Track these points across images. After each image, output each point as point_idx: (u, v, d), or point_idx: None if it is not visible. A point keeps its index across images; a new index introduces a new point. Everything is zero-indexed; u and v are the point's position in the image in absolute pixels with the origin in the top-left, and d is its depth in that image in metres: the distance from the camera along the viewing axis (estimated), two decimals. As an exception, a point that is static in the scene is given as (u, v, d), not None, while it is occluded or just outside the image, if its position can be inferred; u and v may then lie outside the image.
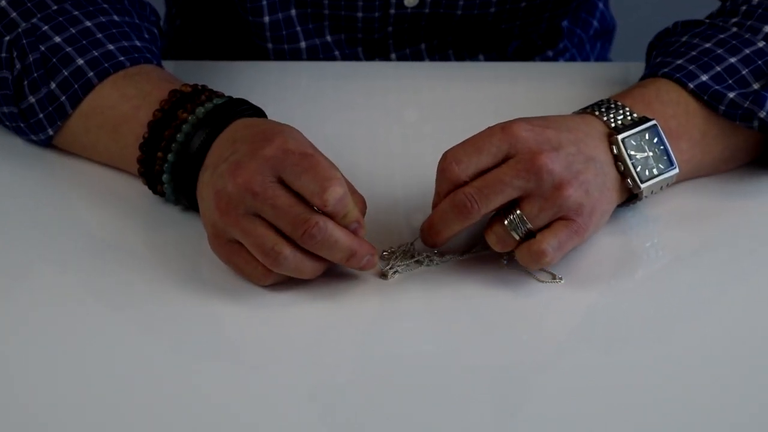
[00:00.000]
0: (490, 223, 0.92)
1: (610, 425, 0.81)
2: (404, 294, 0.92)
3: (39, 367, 0.86)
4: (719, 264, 0.97)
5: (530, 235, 0.91)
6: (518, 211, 0.91)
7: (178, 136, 0.95)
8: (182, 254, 0.96)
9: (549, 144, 0.91)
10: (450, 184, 0.91)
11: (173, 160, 0.96)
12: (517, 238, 0.91)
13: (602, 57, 1.40)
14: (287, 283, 0.92)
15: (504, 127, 0.91)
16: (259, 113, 0.99)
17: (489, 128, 0.92)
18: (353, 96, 1.19)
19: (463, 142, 0.92)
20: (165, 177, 0.97)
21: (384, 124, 1.16)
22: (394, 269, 0.94)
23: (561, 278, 0.93)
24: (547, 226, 0.91)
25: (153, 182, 0.98)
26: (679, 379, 0.85)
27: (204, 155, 0.94)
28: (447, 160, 0.91)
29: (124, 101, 1.01)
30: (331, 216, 0.88)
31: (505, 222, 0.91)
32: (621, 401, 0.83)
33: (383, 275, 0.92)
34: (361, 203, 0.93)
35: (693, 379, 0.85)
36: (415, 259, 0.94)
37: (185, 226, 0.99)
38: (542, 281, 0.93)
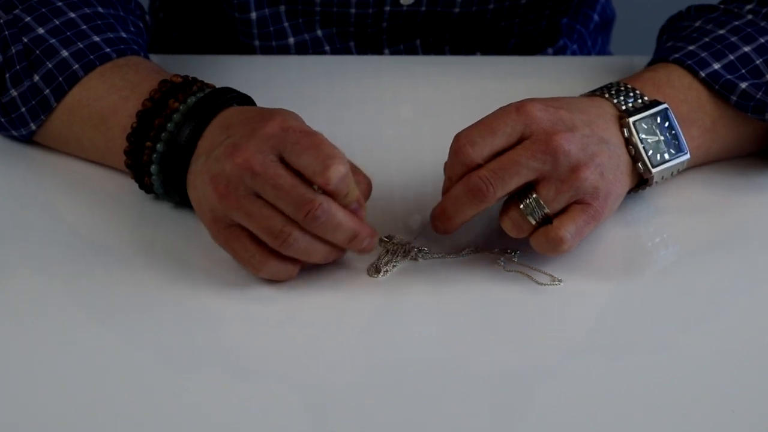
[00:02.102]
0: (505, 208, 0.92)
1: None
2: (401, 296, 0.91)
3: (21, 374, 0.85)
4: (731, 261, 0.96)
5: (546, 220, 0.91)
6: (534, 195, 0.90)
7: (169, 125, 0.94)
8: (171, 255, 0.95)
9: (564, 124, 0.91)
10: (464, 167, 0.90)
11: (162, 149, 0.94)
12: (534, 222, 0.91)
13: (603, 50, 1.40)
14: (280, 284, 0.91)
15: (518, 107, 0.91)
16: (248, 101, 0.98)
17: (502, 108, 0.91)
18: (345, 92, 1.18)
19: (477, 124, 0.91)
20: (153, 168, 0.95)
21: (378, 122, 1.15)
22: (386, 268, 0.93)
23: (560, 280, 0.92)
24: (563, 210, 0.91)
25: (140, 174, 0.97)
26: (690, 386, 0.84)
27: (195, 145, 0.93)
28: (460, 142, 0.90)
29: (112, 92, 1.00)
30: (332, 195, 0.87)
31: (521, 206, 0.90)
32: (626, 409, 0.82)
33: (377, 270, 0.92)
34: (365, 184, 0.92)
35: (705, 385, 0.84)
36: (411, 255, 0.94)
37: (174, 226, 0.98)
38: (541, 284, 0.92)
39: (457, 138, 0.91)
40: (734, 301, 0.93)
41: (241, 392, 0.83)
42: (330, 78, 1.20)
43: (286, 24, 1.22)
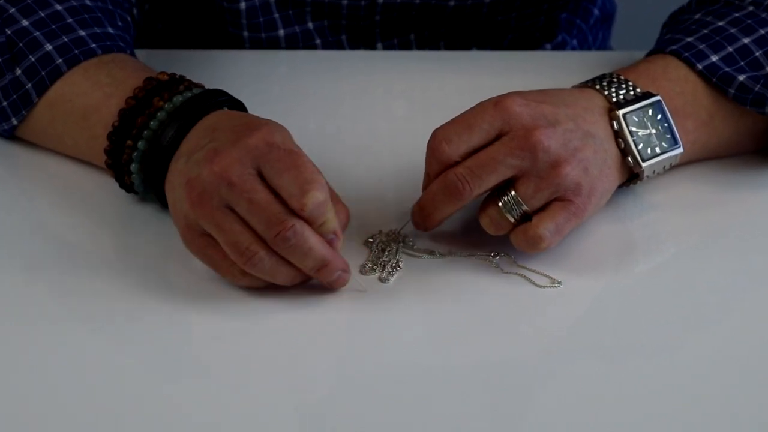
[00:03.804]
0: (484, 206, 0.92)
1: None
2: (396, 299, 0.91)
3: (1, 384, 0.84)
4: (727, 259, 0.96)
5: (526, 216, 0.91)
6: (513, 192, 0.90)
7: (152, 123, 0.93)
8: (154, 260, 0.94)
9: (545, 119, 0.90)
10: (440, 164, 0.90)
11: (144, 148, 0.93)
12: (512, 220, 0.91)
13: (603, 45, 1.39)
14: (267, 286, 0.90)
15: (497, 103, 0.91)
16: (239, 106, 0.97)
17: (480, 104, 0.91)
18: (337, 88, 1.18)
19: (453, 120, 0.91)
20: (133, 167, 0.94)
21: (371, 119, 1.15)
22: (380, 264, 0.93)
23: (560, 282, 0.92)
24: (544, 207, 0.91)
25: (120, 174, 0.96)
26: (690, 387, 0.84)
27: (177, 145, 0.92)
28: (437, 139, 0.90)
29: (96, 89, 0.99)
30: (308, 222, 0.86)
31: (500, 204, 0.90)
32: (625, 411, 0.82)
33: (372, 269, 0.92)
34: (344, 215, 0.90)
35: (704, 385, 0.84)
36: (400, 241, 0.94)
37: (158, 228, 0.97)
38: (540, 286, 0.92)
39: (434, 135, 0.90)
40: (731, 300, 0.92)
41: (225, 403, 0.82)
42: (321, 73, 1.20)
43: (276, 15, 1.21)
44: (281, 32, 1.22)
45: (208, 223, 0.86)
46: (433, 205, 0.91)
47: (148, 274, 0.92)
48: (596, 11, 1.33)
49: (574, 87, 0.98)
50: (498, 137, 0.90)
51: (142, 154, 0.93)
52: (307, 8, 1.20)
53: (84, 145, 1.00)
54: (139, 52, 1.16)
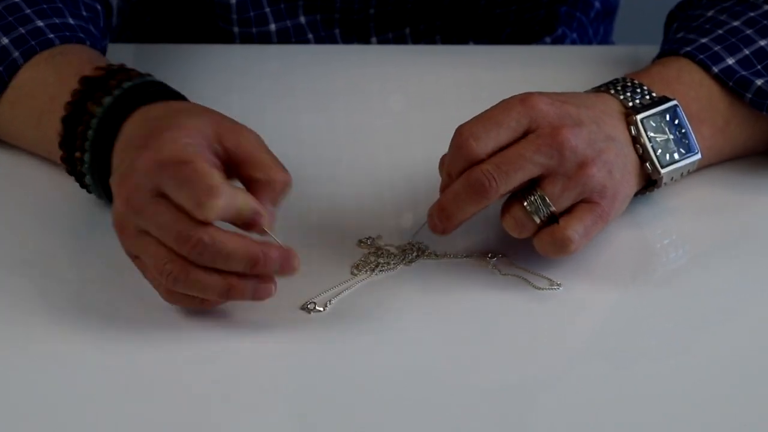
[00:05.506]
0: (507, 207, 0.91)
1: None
2: (390, 303, 0.90)
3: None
4: (743, 265, 0.95)
5: (550, 219, 0.90)
6: (539, 192, 0.89)
7: (89, 132, 0.93)
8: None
9: (570, 119, 0.90)
10: (466, 162, 0.89)
11: (89, 161, 0.93)
12: (538, 221, 0.89)
13: (605, 39, 1.39)
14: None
15: (523, 100, 0.90)
16: (172, 94, 0.95)
17: (505, 101, 0.90)
18: (330, 83, 1.17)
19: (480, 117, 0.90)
20: (87, 179, 0.94)
21: (365, 115, 1.14)
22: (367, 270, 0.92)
23: (559, 284, 0.91)
24: (569, 210, 0.90)
25: (82, 183, 0.96)
26: (700, 396, 0.83)
27: (110, 154, 0.90)
28: (463, 136, 0.89)
29: (43, 90, 0.98)
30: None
31: (525, 204, 0.89)
32: (631, 421, 0.81)
33: (307, 308, 0.90)
34: (280, 183, 0.86)
35: (716, 395, 0.83)
36: (407, 259, 0.94)
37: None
38: (540, 288, 0.91)
39: (460, 132, 0.89)
40: (747, 307, 0.91)
41: (226, 399, 0.82)
42: (314, 68, 1.19)
43: (267, 9, 1.21)
44: (272, 27, 1.21)
45: (133, 250, 0.86)
46: (455, 204, 0.89)
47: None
48: (597, 4, 1.33)
49: (588, 91, 0.97)
50: (524, 135, 0.89)
51: (90, 165, 0.93)
52: (299, 2, 1.20)
53: (42, 147, 1.00)
54: (126, 47, 1.17)
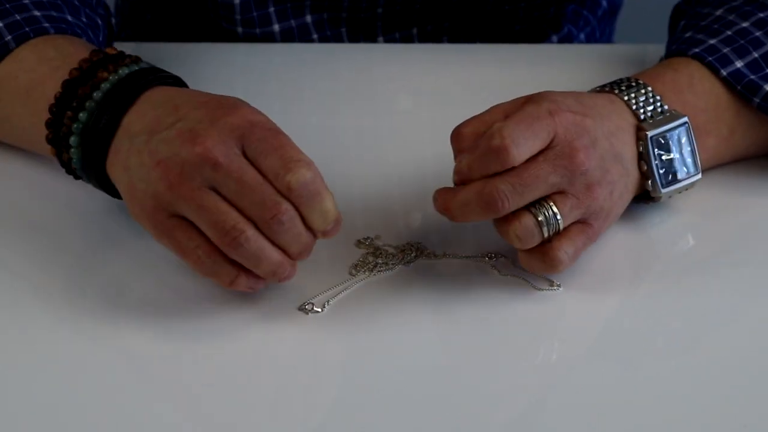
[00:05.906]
0: (517, 216, 0.89)
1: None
2: (392, 303, 0.90)
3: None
4: (746, 266, 0.95)
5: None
6: (554, 209, 0.89)
7: (95, 93, 0.90)
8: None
9: (588, 137, 0.89)
10: (502, 167, 0.88)
11: (86, 119, 0.90)
12: (546, 236, 0.89)
13: (609, 38, 1.39)
14: (255, 283, 0.88)
15: (552, 112, 0.89)
16: (180, 84, 0.95)
17: (536, 108, 0.89)
18: (336, 82, 1.17)
19: (516, 121, 0.88)
20: (73, 139, 0.91)
21: (372, 115, 1.14)
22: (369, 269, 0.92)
23: (559, 285, 0.91)
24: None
25: (59, 148, 0.93)
26: (703, 400, 0.83)
27: (121, 118, 0.89)
28: (505, 141, 0.87)
29: (42, 63, 0.96)
30: (295, 204, 0.84)
31: (540, 218, 0.88)
32: (625, 413, 0.81)
33: (304, 308, 0.89)
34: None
35: (718, 398, 0.83)
36: (406, 259, 0.93)
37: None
38: (539, 289, 0.91)
39: (500, 134, 0.87)
40: (748, 308, 0.91)
41: (224, 400, 0.82)
42: (319, 67, 1.18)
43: (271, 9, 1.20)
44: (276, 27, 1.21)
45: (188, 204, 0.84)
46: (461, 211, 0.88)
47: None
48: (604, 3, 1.33)
49: (598, 91, 0.96)
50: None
51: (83, 126, 0.90)
52: (306, 1, 1.20)
53: (28, 124, 0.96)
54: (126, 45, 1.17)
